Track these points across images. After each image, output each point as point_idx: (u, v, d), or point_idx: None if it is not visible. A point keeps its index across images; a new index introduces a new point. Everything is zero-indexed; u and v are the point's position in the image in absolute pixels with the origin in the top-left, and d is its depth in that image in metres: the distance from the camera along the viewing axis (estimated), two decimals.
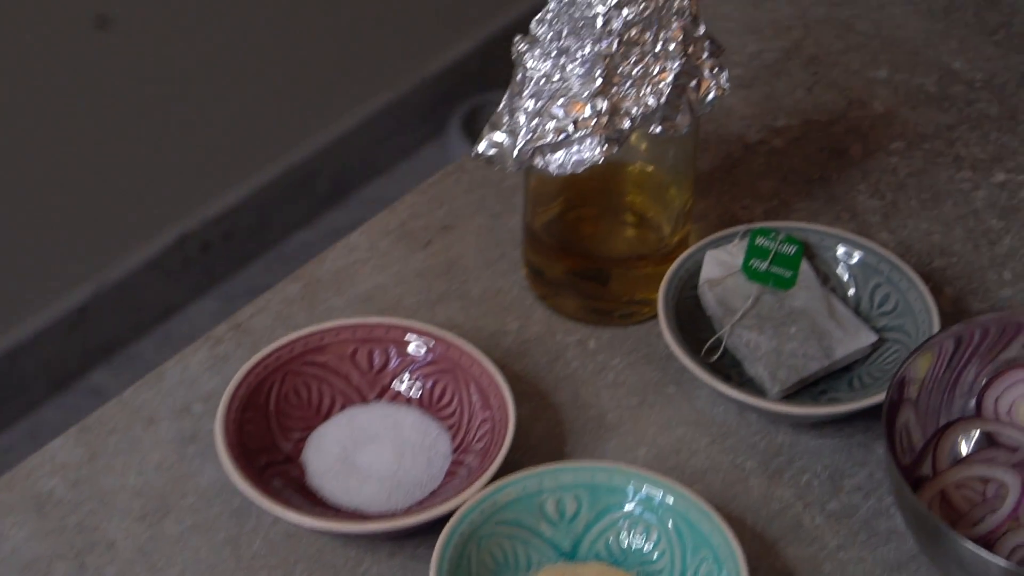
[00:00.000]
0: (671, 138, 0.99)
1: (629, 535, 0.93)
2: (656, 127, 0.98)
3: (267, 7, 2.13)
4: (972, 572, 0.86)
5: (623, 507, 0.94)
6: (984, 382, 0.97)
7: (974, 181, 1.16)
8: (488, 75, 2.43)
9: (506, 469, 0.95)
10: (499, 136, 1.01)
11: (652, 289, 1.06)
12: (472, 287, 1.10)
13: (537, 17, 1.00)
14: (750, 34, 1.27)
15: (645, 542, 0.93)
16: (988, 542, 0.91)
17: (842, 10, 1.29)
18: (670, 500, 0.93)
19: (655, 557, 0.93)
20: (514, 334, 1.07)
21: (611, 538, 0.93)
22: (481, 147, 1.02)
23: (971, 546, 0.84)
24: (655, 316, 1.07)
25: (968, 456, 0.96)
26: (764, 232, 1.06)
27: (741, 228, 1.07)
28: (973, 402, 0.97)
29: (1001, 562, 0.83)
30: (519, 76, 1.00)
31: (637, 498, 0.94)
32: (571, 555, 0.93)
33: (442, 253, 1.12)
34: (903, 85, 1.23)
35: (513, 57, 1.01)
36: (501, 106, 1.02)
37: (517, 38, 1.02)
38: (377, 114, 2.33)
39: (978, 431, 0.96)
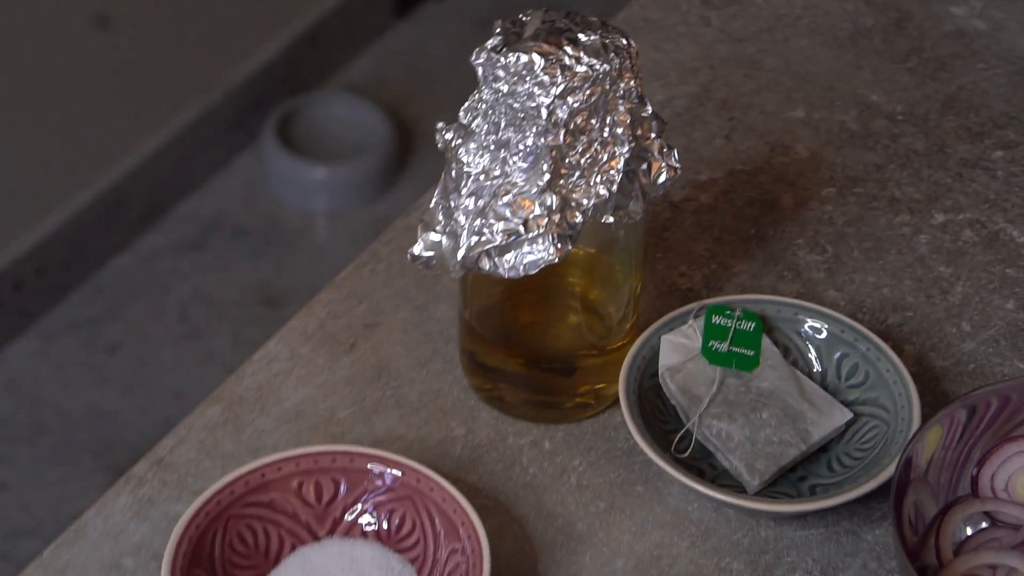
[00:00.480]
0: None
1: None
2: (608, 217, 0.91)
3: (61, 28, 2.02)
4: None
5: None
6: (977, 459, 0.92)
7: (914, 225, 1.11)
8: (297, 78, 2.36)
9: None
10: (435, 237, 0.93)
11: (603, 380, 0.99)
12: (408, 391, 1.02)
13: (465, 106, 0.92)
14: (655, 80, 1.21)
15: None
16: None
17: (746, 47, 1.23)
18: None
19: None
20: (462, 441, 0.99)
21: None
22: (416, 250, 0.94)
23: None
24: (607, 408, 1.00)
25: (970, 539, 0.91)
26: (719, 310, 1.00)
27: (694, 306, 1.00)
28: (969, 481, 0.92)
29: None
30: (453, 172, 0.92)
31: None
32: None
33: (370, 355, 1.04)
34: (823, 124, 1.17)
35: (439, 146, 0.94)
36: (433, 203, 0.94)
37: (441, 126, 0.94)
38: (186, 128, 2.25)
39: (977, 512, 0.91)
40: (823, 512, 0.95)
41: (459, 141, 0.91)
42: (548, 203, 0.89)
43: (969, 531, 0.91)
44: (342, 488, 0.93)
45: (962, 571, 0.89)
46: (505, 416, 1.00)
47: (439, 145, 0.94)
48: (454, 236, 0.92)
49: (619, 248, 0.95)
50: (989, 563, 0.89)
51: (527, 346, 0.99)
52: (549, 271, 0.97)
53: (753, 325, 0.99)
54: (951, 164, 1.15)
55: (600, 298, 0.98)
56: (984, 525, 0.91)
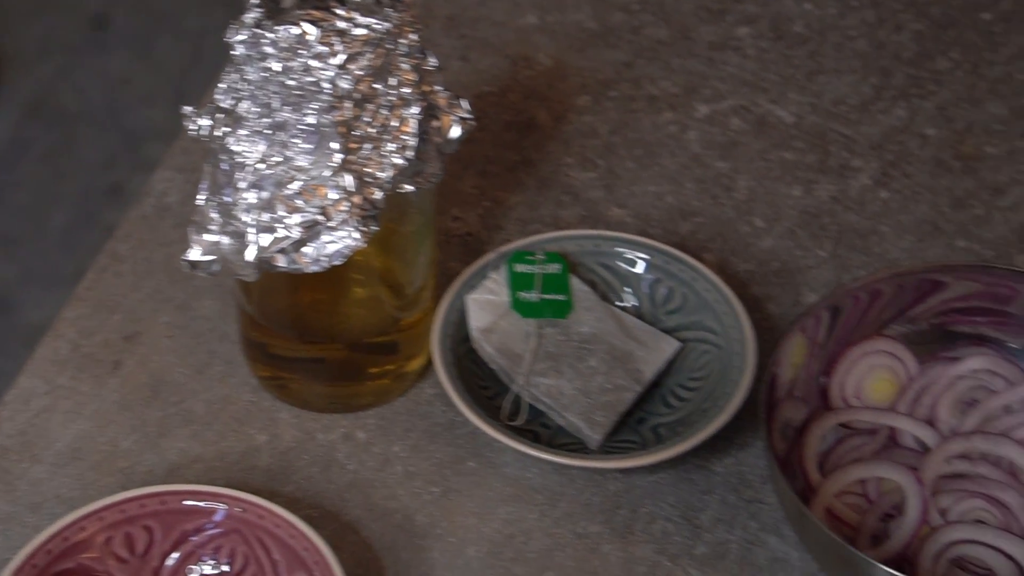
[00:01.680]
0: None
1: None
2: (407, 185, 0.82)
3: None
4: None
5: None
6: (823, 369, 0.88)
7: (679, 122, 1.05)
8: None
9: None
10: (213, 237, 0.82)
11: (407, 355, 0.91)
12: (193, 404, 0.91)
13: (222, 88, 0.81)
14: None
15: None
16: (908, 558, 0.83)
17: None
18: None
19: None
20: (267, 449, 0.90)
21: None
22: (193, 255, 0.83)
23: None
24: (414, 383, 0.92)
25: (832, 452, 0.87)
26: (519, 256, 0.92)
27: (491, 256, 0.92)
28: (818, 395, 0.88)
29: None
30: (224, 164, 0.81)
31: None
32: None
33: (139, 372, 0.92)
34: (559, 27, 1.10)
35: (191, 133, 0.83)
36: (201, 201, 0.83)
37: (189, 111, 0.83)
38: None
39: (833, 425, 0.87)
40: None
41: (226, 129, 0.80)
42: (344, 185, 0.79)
43: (829, 444, 0.87)
44: (157, 535, 0.83)
45: (835, 492, 0.85)
46: (307, 412, 0.91)
47: (191, 132, 0.83)
48: (238, 236, 0.81)
49: (413, 212, 0.86)
50: (859, 478, 0.85)
51: (321, 331, 0.90)
52: None
53: (559, 267, 0.92)
54: (699, 50, 1.09)
55: (396, 268, 0.89)
56: (841, 435, 0.87)
